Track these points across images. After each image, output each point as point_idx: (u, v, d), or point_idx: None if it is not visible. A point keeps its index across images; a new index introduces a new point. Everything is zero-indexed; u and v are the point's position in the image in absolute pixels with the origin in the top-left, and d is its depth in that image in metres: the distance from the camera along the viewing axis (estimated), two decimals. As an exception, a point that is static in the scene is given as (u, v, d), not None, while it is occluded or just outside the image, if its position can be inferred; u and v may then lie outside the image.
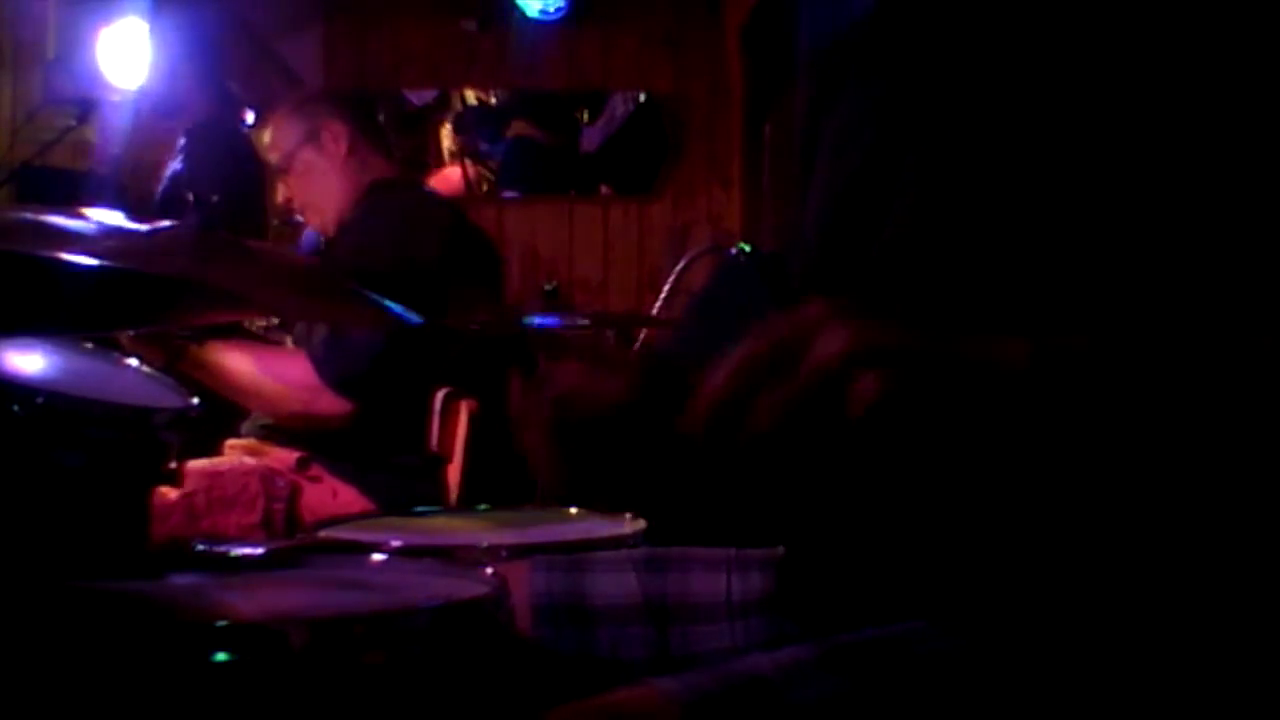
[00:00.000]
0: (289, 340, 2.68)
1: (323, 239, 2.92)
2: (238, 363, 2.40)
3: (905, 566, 0.92)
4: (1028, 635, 0.84)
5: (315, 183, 2.64)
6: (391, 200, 2.63)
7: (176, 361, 2.26)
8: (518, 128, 5.98)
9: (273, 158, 2.73)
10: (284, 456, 2.48)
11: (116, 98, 3.87)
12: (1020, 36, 0.91)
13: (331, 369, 2.38)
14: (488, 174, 6.02)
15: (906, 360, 0.71)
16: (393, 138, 2.86)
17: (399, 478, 2.43)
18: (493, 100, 5.99)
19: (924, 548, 0.91)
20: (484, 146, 6.00)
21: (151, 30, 3.79)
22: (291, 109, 2.74)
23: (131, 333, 2.08)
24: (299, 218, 2.90)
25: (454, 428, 2.46)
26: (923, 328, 0.74)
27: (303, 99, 2.83)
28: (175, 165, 3.75)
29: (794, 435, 0.71)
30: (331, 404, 2.39)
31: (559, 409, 1.09)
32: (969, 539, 0.88)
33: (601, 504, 1.62)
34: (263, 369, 2.44)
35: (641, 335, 3.26)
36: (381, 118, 2.89)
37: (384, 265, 2.39)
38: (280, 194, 2.77)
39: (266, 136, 2.77)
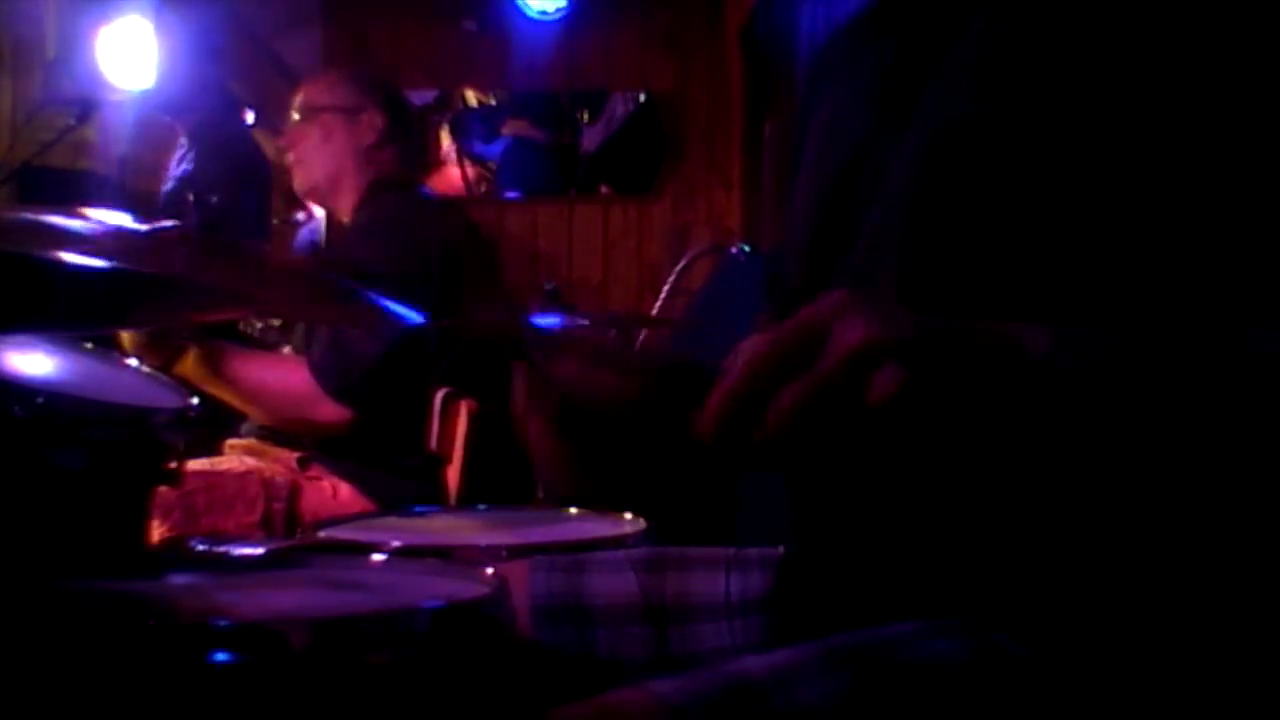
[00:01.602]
0: (287, 349, 2.68)
1: (321, 238, 2.92)
2: (238, 368, 2.40)
3: (905, 566, 0.92)
4: (1028, 636, 0.84)
5: (325, 150, 2.63)
6: (393, 201, 2.63)
7: (176, 362, 2.26)
8: (517, 128, 5.99)
9: (303, 101, 2.68)
10: (284, 456, 2.48)
11: (116, 98, 3.87)
12: (1017, 25, 0.91)
13: (331, 377, 2.38)
14: (488, 174, 6.02)
15: (926, 350, 0.71)
16: (408, 145, 2.84)
17: (399, 478, 2.43)
18: (493, 100, 5.99)
19: (924, 547, 0.91)
20: (484, 147, 6.00)
21: (153, 30, 3.79)
22: (346, 76, 2.74)
23: (132, 333, 2.09)
24: (298, 215, 2.89)
25: (454, 428, 2.45)
26: (942, 317, 0.74)
27: (359, 73, 2.82)
28: (185, 166, 3.75)
29: (814, 429, 0.71)
30: (330, 412, 2.39)
31: (564, 404, 1.09)
32: (971, 538, 0.88)
33: (604, 502, 1.62)
34: (262, 375, 2.44)
35: (642, 335, 3.27)
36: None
37: (385, 266, 2.39)
38: (286, 135, 2.73)
39: (306, 85, 2.74)
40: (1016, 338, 0.74)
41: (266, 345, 2.66)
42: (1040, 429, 0.75)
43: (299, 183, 2.74)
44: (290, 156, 2.71)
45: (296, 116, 2.68)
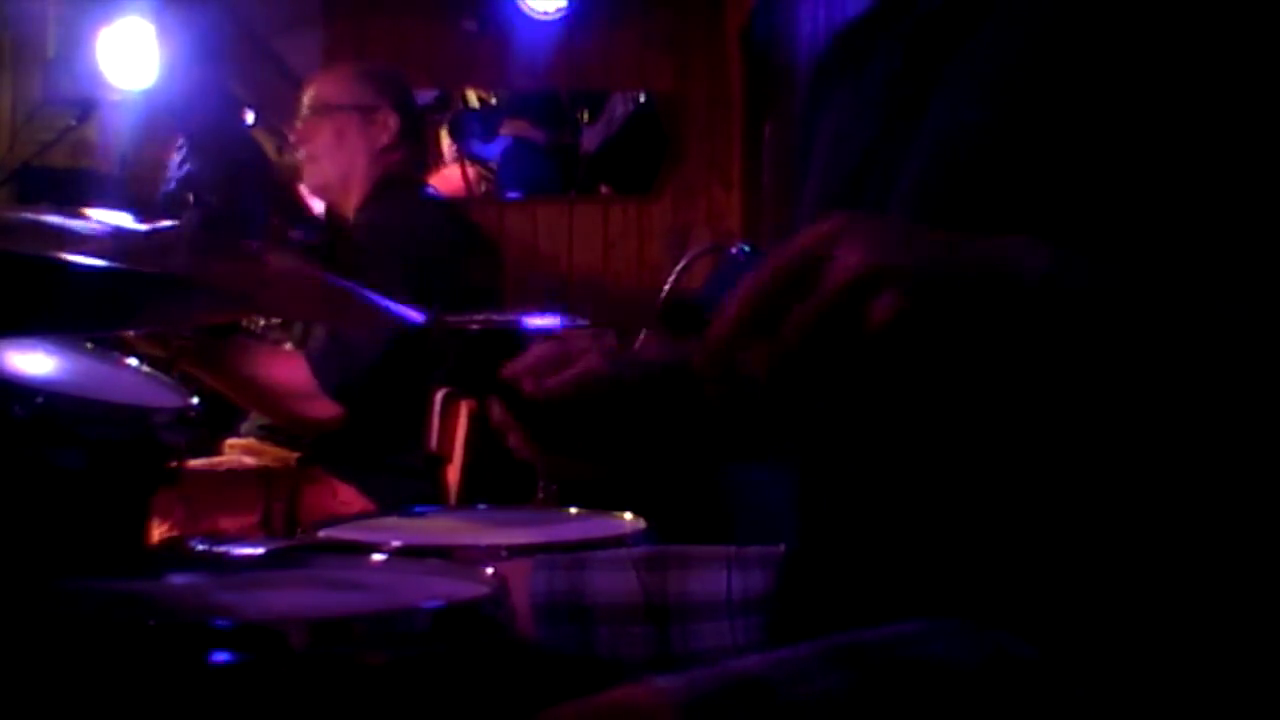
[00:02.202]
0: (288, 345, 2.68)
1: (319, 236, 2.92)
2: (237, 364, 2.40)
3: (908, 565, 0.91)
4: (1033, 636, 0.84)
5: (339, 149, 2.62)
6: (398, 200, 2.63)
7: (177, 362, 2.26)
8: (517, 128, 5.98)
9: (315, 98, 2.66)
10: (284, 456, 2.49)
11: (117, 98, 3.87)
12: (1025, 32, 0.91)
13: (329, 375, 2.38)
14: (488, 174, 6.02)
15: (925, 276, 0.71)
16: (419, 145, 2.84)
17: (399, 478, 2.43)
18: (493, 100, 5.99)
19: (928, 546, 0.91)
20: (484, 147, 5.99)
21: (154, 31, 3.79)
22: (360, 73, 2.73)
23: (132, 333, 2.09)
24: (305, 195, 2.87)
25: (454, 428, 2.46)
26: (940, 241, 0.74)
27: (374, 71, 2.81)
28: (187, 167, 3.75)
29: (815, 355, 0.70)
30: (326, 409, 2.39)
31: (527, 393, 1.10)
32: (975, 538, 0.88)
33: (603, 493, 1.62)
34: (261, 371, 2.44)
35: (642, 335, 3.26)
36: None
37: (388, 265, 2.39)
38: (297, 132, 2.70)
39: (318, 80, 2.72)
40: (1016, 258, 0.74)
41: (266, 340, 2.66)
42: (1039, 352, 0.74)
43: (309, 180, 2.73)
44: (301, 153, 2.69)
45: (308, 112, 2.66)
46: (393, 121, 2.63)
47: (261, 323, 2.66)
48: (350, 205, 2.65)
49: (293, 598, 0.97)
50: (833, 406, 0.94)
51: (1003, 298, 0.72)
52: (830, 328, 0.70)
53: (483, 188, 6.00)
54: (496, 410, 1.18)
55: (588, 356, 1.17)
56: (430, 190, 2.91)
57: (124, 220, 0.96)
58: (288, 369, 2.43)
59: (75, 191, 3.82)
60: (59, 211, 0.94)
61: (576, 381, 1.15)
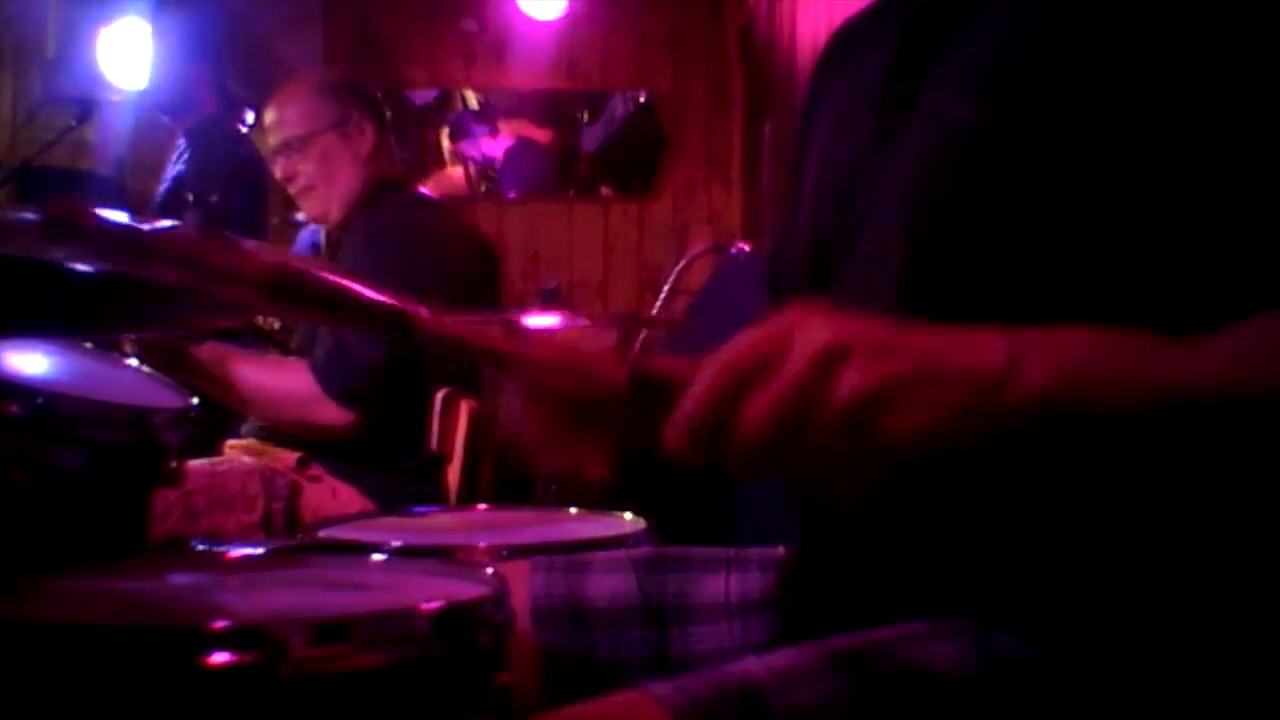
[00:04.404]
0: (274, 352, 2.67)
1: (322, 240, 2.91)
2: (239, 369, 2.40)
3: (908, 567, 0.91)
4: (1033, 638, 0.84)
5: (329, 171, 2.61)
6: (391, 203, 2.63)
7: (176, 363, 2.25)
8: (517, 128, 5.99)
9: (286, 134, 2.62)
10: (284, 456, 2.48)
11: (116, 98, 3.87)
12: (1015, 30, 0.91)
13: (333, 379, 2.38)
14: (488, 174, 6.02)
15: (885, 355, 0.70)
16: (394, 138, 2.83)
17: (399, 478, 2.43)
18: (492, 100, 5.99)
19: (927, 548, 0.91)
20: (484, 147, 6.00)
21: (153, 31, 3.79)
22: (317, 90, 2.67)
23: (132, 334, 2.08)
24: (298, 216, 2.86)
25: (454, 428, 2.46)
26: (901, 324, 0.74)
27: (328, 83, 2.75)
28: (178, 167, 3.75)
29: (786, 436, 0.71)
30: (332, 414, 2.39)
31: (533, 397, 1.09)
32: (975, 539, 0.88)
33: (601, 500, 1.62)
34: (264, 376, 2.44)
35: (641, 335, 3.26)
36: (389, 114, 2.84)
37: (386, 267, 2.39)
38: (279, 170, 2.65)
39: (276, 112, 2.65)
40: (975, 346, 0.73)
41: (283, 343, 2.65)
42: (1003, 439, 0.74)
43: (308, 211, 2.70)
44: (292, 190, 2.67)
45: (284, 150, 2.61)
46: (368, 126, 2.62)
47: (277, 324, 2.65)
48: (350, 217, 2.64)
49: (292, 598, 0.97)
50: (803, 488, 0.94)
51: (963, 380, 0.71)
52: (797, 407, 0.70)
53: (483, 188, 6.01)
54: (504, 417, 1.17)
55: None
56: (423, 191, 2.90)
57: (123, 220, 0.96)
58: (291, 376, 2.43)
59: (75, 191, 3.82)
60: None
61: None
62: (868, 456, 0.71)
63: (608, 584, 1.12)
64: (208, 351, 2.34)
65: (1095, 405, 0.72)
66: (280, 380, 2.44)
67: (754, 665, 0.82)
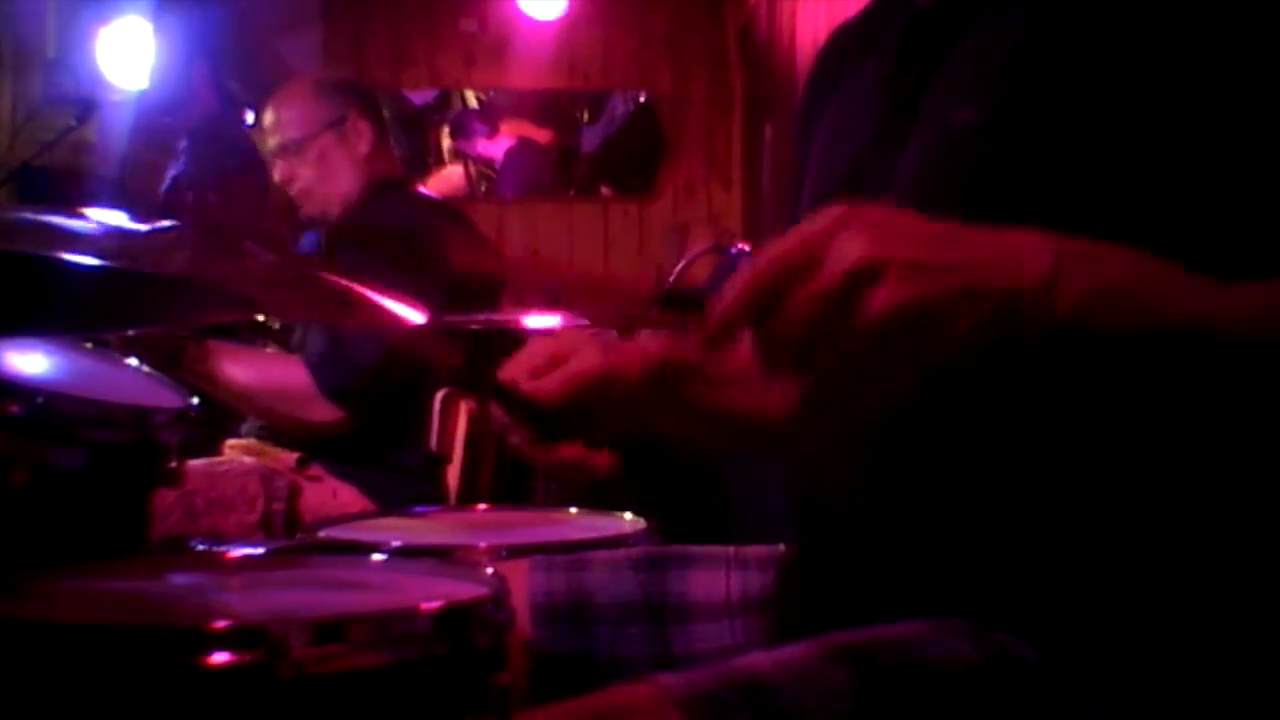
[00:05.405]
0: (270, 347, 2.67)
1: (322, 241, 2.91)
2: (235, 367, 2.40)
3: (909, 566, 0.91)
4: (1034, 637, 0.84)
5: (328, 172, 2.61)
6: (389, 201, 2.63)
7: (176, 362, 2.25)
8: (517, 128, 5.99)
9: (284, 136, 2.62)
10: (284, 456, 2.48)
11: (116, 98, 3.87)
12: (1015, 32, 0.91)
13: (328, 378, 2.38)
14: (488, 174, 6.02)
15: (919, 272, 0.70)
16: (393, 137, 2.83)
17: (399, 478, 2.43)
18: (493, 100, 5.99)
19: (929, 547, 0.91)
20: (484, 147, 6.00)
21: (153, 31, 3.79)
22: (312, 92, 2.67)
23: (131, 334, 2.08)
24: (300, 215, 2.86)
25: (454, 428, 2.45)
26: (941, 234, 0.73)
27: (324, 84, 2.76)
28: (178, 167, 3.75)
29: (814, 342, 0.70)
30: (325, 412, 2.39)
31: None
32: (976, 538, 0.88)
33: (601, 500, 1.62)
34: (259, 374, 2.44)
35: (641, 335, 3.26)
36: (386, 114, 2.83)
37: (385, 266, 2.39)
38: (278, 172, 2.65)
39: (274, 115, 2.65)
40: (1016, 255, 0.73)
41: (282, 339, 2.65)
42: (1034, 354, 0.73)
43: (308, 211, 2.70)
44: (292, 191, 2.67)
45: (281, 152, 2.62)
46: (365, 126, 2.62)
47: (276, 322, 2.64)
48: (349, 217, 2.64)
49: (292, 598, 0.97)
50: (826, 398, 0.94)
51: (997, 299, 0.72)
52: (827, 316, 0.70)
53: (482, 188, 6.01)
54: (498, 410, 1.18)
55: (582, 353, 1.17)
56: (422, 193, 2.90)
57: (123, 220, 0.96)
58: (286, 374, 2.43)
59: (75, 191, 3.82)
60: (59, 211, 0.94)
61: (572, 379, 1.15)
62: (894, 367, 0.71)
63: (608, 583, 1.12)
64: (204, 347, 2.34)
65: (1128, 324, 0.72)
66: (275, 376, 2.44)
67: (759, 659, 0.83)
